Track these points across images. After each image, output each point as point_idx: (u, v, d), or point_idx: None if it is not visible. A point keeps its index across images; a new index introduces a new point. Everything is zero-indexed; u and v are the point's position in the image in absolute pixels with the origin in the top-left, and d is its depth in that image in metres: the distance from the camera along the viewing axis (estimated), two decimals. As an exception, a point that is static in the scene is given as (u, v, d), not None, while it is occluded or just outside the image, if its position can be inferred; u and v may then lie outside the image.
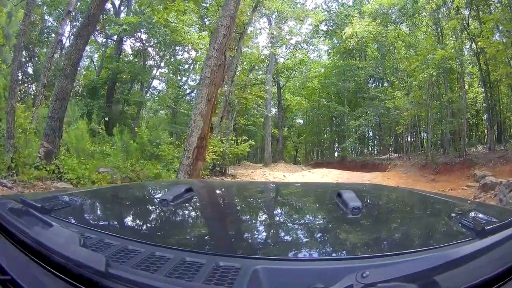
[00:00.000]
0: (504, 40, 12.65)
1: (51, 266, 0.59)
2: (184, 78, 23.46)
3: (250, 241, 0.86)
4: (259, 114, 21.97)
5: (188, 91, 23.35)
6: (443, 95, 16.67)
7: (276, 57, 23.75)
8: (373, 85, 24.75)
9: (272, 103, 26.72)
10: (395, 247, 0.80)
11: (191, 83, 23.49)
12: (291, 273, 0.59)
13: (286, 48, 24.16)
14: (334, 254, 0.76)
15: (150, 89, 22.45)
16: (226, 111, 19.79)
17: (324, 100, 27.11)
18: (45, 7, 15.89)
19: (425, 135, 19.70)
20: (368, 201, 1.36)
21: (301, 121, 32.67)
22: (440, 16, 17.08)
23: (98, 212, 1.16)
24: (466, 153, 14.73)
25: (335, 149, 28.93)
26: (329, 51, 27.23)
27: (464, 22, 15.22)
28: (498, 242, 0.58)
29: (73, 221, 0.90)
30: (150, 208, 1.21)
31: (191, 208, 1.17)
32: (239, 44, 14.34)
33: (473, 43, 15.53)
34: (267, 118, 22.16)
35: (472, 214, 1.07)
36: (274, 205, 1.35)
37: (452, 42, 16.09)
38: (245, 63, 20.67)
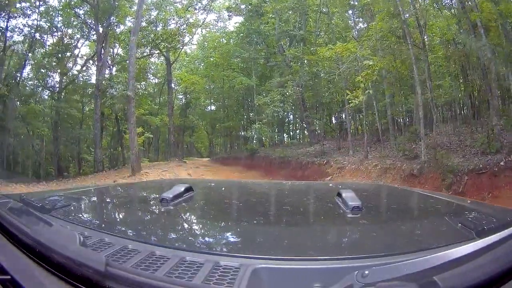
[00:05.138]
0: None
1: (51, 265, 0.59)
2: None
3: (249, 240, 0.86)
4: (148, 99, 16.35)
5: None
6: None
7: (164, 24, 18.07)
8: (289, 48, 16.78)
9: (178, 88, 22.49)
10: (395, 247, 0.80)
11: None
12: (291, 273, 0.59)
13: (178, 18, 18.36)
14: (334, 254, 0.75)
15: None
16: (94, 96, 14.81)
17: (226, 75, 20.34)
18: None
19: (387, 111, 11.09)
20: (368, 200, 1.35)
21: (214, 108, 26.42)
22: None
23: (98, 212, 1.16)
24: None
25: (242, 139, 22.08)
26: (230, 15, 20.07)
27: None
28: (498, 242, 0.58)
29: (73, 220, 0.90)
30: (150, 207, 1.21)
31: (190, 207, 1.17)
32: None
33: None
34: (129, 100, 14.13)
35: (472, 214, 1.07)
36: (274, 205, 1.35)
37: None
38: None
